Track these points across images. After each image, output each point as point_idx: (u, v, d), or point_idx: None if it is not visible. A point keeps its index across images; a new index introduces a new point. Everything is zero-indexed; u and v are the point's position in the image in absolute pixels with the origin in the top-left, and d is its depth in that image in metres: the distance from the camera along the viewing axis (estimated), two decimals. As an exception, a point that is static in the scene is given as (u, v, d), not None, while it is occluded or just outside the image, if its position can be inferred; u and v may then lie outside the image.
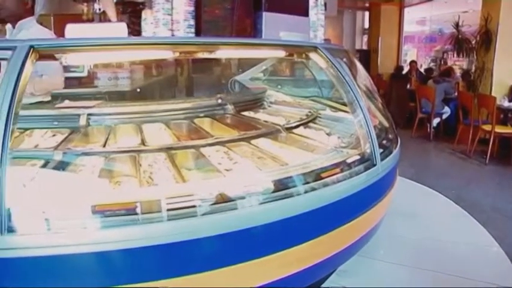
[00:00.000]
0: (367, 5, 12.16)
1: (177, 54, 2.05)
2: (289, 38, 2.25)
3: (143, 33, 2.06)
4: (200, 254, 1.64)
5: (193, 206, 1.63)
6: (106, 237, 1.52)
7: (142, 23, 2.07)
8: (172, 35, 1.97)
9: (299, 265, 1.86)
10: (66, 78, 3.61)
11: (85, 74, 3.59)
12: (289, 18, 2.37)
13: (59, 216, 1.54)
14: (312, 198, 1.84)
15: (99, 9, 6.15)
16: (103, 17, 7.44)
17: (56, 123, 2.23)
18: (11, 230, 1.47)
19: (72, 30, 1.86)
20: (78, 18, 8.18)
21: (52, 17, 9.98)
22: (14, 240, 1.47)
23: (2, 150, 1.44)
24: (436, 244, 2.86)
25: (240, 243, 1.70)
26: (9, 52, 1.66)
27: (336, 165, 2.04)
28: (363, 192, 2.05)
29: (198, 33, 2.02)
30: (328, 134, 2.47)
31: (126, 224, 1.54)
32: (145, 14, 2.05)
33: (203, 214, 1.62)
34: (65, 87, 3.49)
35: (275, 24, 2.25)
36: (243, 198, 1.69)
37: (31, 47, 1.68)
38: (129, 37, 1.93)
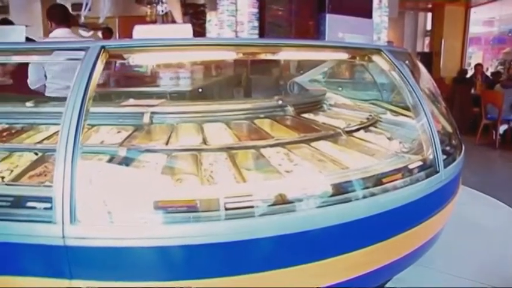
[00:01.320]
0: (430, 5, 11.77)
1: (241, 55, 2.07)
2: (352, 40, 2.22)
3: (208, 34, 2.10)
4: (256, 254, 1.65)
5: (252, 207, 1.64)
6: (167, 232, 1.56)
7: (207, 24, 2.11)
8: (237, 36, 1.99)
9: (355, 271, 1.83)
10: (130, 77, 3.77)
11: (148, 73, 3.72)
12: (353, 20, 2.34)
13: (123, 210, 1.60)
14: (372, 203, 1.80)
15: (162, 11, 6.35)
16: (165, 19, 7.68)
17: (120, 120, 2.32)
18: (79, 221, 1.54)
19: (140, 31, 1.93)
20: (141, 20, 8.47)
21: (117, 19, 10.41)
22: (81, 230, 1.54)
23: (74, 145, 1.52)
24: (502, 260, 2.72)
25: (296, 246, 1.69)
26: (83, 52, 1.74)
27: (397, 170, 1.99)
28: (424, 199, 1.99)
29: (261, 34, 2.03)
30: (389, 139, 2.42)
31: (186, 220, 1.57)
32: (210, 16, 2.09)
33: (261, 215, 1.63)
34: (128, 86, 3.64)
35: (338, 26, 2.23)
36: (301, 200, 1.68)
37: (102, 47, 1.75)
38: (194, 38, 1.98)
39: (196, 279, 1.61)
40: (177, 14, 2.73)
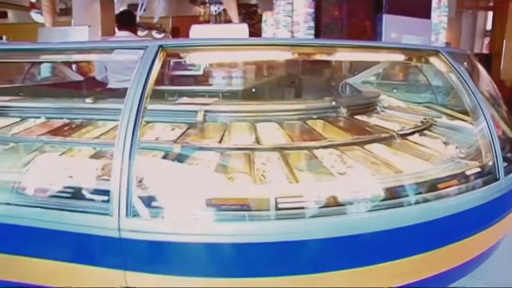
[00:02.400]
0: (491, 4, 11.27)
1: (296, 55, 2.07)
2: (409, 41, 2.17)
3: (263, 34, 2.11)
4: (305, 255, 1.65)
5: (303, 208, 1.64)
6: (218, 230, 1.59)
7: (263, 24, 2.12)
8: (292, 37, 1.99)
9: (405, 279, 1.79)
10: (184, 76, 3.86)
11: (201, 72, 3.79)
12: (410, 20, 2.28)
13: (176, 206, 1.64)
14: (425, 210, 1.76)
15: (215, 11, 6.45)
16: (219, 19, 7.79)
17: (175, 118, 2.37)
18: (135, 214, 1.59)
19: (197, 30, 1.96)
20: (195, 20, 8.63)
21: (170, 19, 10.65)
22: (136, 223, 1.59)
23: (131, 141, 1.58)
24: None
25: (345, 250, 1.67)
26: (142, 51, 1.80)
27: (453, 176, 1.93)
28: (482, 208, 1.91)
29: (317, 35, 2.02)
30: (445, 143, 2.34)
31: (237, 219, 1.59)
32: (266, 16, 2.10)
33: (312, 216, 1.62)
34: (181, 85, 3.72)
35: (395, 27, 2.18)
36: (353, 203, 1.66)
37: (160, 46, 1.80)
38: (252, 38, 1.99)
39: (245, 277, 1.63)
40: (233, 14, 2.76)
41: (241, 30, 1.90)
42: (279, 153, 1.99)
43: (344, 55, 2.42)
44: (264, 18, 2.12)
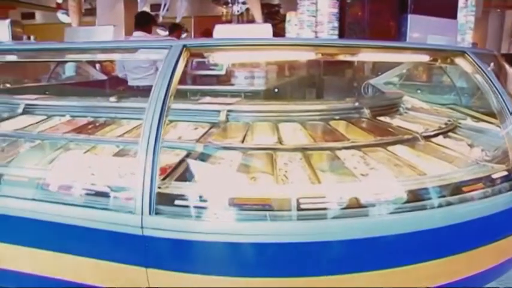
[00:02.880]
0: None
1: (319, 55, 2.07)
2: (435, 42, 2.14)
3: (287, 34, 2.11)
4: (326, 257, 1.64)
5: (325, 208, 1.63)
6: (240, 229, 1.59)
7: (286, 25, 2.12)
8: (316, 37, 1.98)
9: (428, 282, 1.76)
10: (206, 76, 3.88)
11: (223, 72, 3.80)
12: (436, 20, 2.24)
13: (199, 204, 1.65)
14: (449, 213, 1.73)
15: (238, 11, 6.47)
16: (241, 19, 7.80)
17: (197, 117, 2.38)
18: (157, 212, 1.60)
19: (220, 30, 1.97)
20: (217, 20, 8.66)
21: (192, 19, 10.71)
22: (158, 221, 1.61)
23: (155, 139, 1.59)
24: None
25: (367, 252, 1.66)
26: (166, 51, 1.81)
27: (478, 180, 1.88)
28: (508, 212, 1.87)
29: (341, 35, 2.01)
30: (469, 146, 2.30)
31: (259, 218, 1.59)
32: (290, 16, 2.10)
33: (333, 217, 1.61)
34: (203, 84, 3.75)
35: (420, 27, 2.15)
36: (375, 205, 1.65)
37: (184, 46, 1.82)
38: (276, 38, 1.99)
39: (265, 277, 1.63)
40: (257, 13, 2.76)
41: (265, 30, 1.89)
42: (301, 153, 1.98)
43: (368, 56, 2.40)
44: (287, 18, 2.12)
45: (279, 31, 2.51)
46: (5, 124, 2.62)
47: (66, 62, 4.75)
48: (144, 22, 4.21)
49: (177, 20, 8.72)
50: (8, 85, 4.08)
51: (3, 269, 1.89)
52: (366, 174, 1.85)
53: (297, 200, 1.62)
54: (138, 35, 4.09)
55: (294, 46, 1.91)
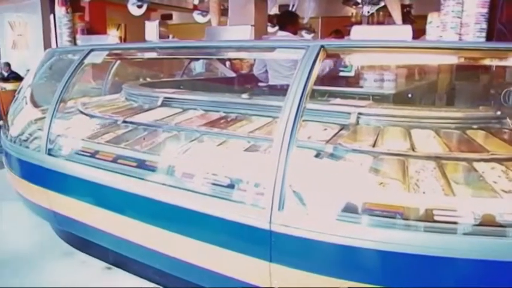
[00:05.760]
0: None
1: (462, 60, 1.94)
2: None
3: (427, 37, 2.01)
4: (452, 275, 1.53)
5: (455, 223, 1.53)
6: (367, 234, 1.56)
7: (427, 26, 2.02)
8: (460, 40, 1.86)
9: None
10: (335, 77, 3.86)
11: (352, 74, 3.75)
12: None
13: (326, 205, 1.65)
14: None
15: (368, 12, 6.33)
16: (371, 20, 7.64)
17: (327, 118, 2.38)
18: (286, 209, 1.63)
19: (358, 31, 1.95)
20: (345, 21, 8.57)
21: (320, 19, 10.72)
22: (286, 217, 1.64)
23: (290, 138, 1.62)
24: None
25: (502, 276, 1.51)
26: (303, 51, 1.84)
27: None
28: None
29: (489, 37, 1.86)
30: None
31: (387, 226, 1.55)
32: (431, 17, 1.99)
33: (465, 233, 1.50)
34: (331, 85, 3.73)
35: None
36: (514, 226, 1.50)
37: (321, 46, 1.82)
38: (419, 41, 1.92)
39: (385, 286, 1.58)
40: (396, 14, 2.67)
41: (405, 32, 1.82)
42: (434, 162, 1.88)
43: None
44: (429, 19, 2.02)
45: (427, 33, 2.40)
46: (146, 115, 2.86)
47: (208, 59, 5.14)
48: (289, 22, 4.23)
49: (305, 21, 8.80)
50: (149, 79, 4.46)
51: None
52: (508, 191, 1.70)
53: (429, 211, 1.55)
54: (282, 34, 4.13)
55: (436, 50, 1.81)
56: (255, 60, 4.48)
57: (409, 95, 3.71)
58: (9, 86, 7.34)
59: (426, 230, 1.53)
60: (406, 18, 7.01)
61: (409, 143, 2.05)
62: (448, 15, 1.89)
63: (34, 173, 2.62)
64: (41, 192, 2.58)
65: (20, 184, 2.82)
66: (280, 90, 3.59)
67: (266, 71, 4.28)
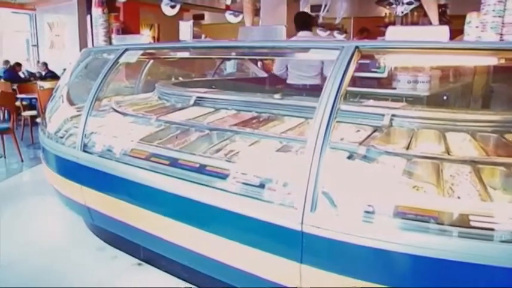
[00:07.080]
0: None
1: (503, 61, 1.88)
2: None
3: (465, 37, 1.96)
4: (487, 282, 1.49)
5: (492, 229, 1.48)
6: (401, 238, 1.53)
7: (465, 26, 1.97)
8: (501, 40, 1.81)
9: None
10: (367, 78, 3.81)
11: (385, 75, 3.70)
12: None
13: (358, 207, 1.63)
14: None
15: (402, 12, 6.24)
16: (405, 20, 7.53)
17: (360, 119, 2.36)
18: (318, 210, 1.63)
19: (393, 32, 1.92)
20: (378, 21, 8.49)
21: (352, 19, 10.64)
22: (318, 219, 1.64)
23: (323, 139, 1.62)
24: None
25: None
26: (337, 52, 1.82)
27: None
28: None
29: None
30: None
31: (421, 230, 1.52)
32: (470, 17, 1.95)
33: (502, 241, 1.46)
34: (364, 86, 3.68)
35: None
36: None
37: (356, 47, 1.81)
38: (455, 42, 1.87)
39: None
40: (433, 15, 2.62)
41: (442, 32, 1.78)
42: (470, 166, 1.84)
43: None
44: (467, 19, 1.97)
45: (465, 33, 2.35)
46: (178, 114, 2.89)
47: (241, 59, 5.30)
48: (307, 22, 4.33)
49: (337, 21, 8.75)
50: (181, 79, 4.52)
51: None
52: (549, 198, 1.65)
53: (464, 217, 1.52)
54: (303, 34, 4.17)
55: (476, 51, 1.76)
56: (274, 59, 4.59)
57: (444, 97, 3.63)
58: (46, 85, 7.58)
59: (461, 236, 1.49)
60: (441, 18, 6.88)
61: (444, 146, 2.01)
62: (489, 15, 1.84)
63: (69, 169, 2.69)
64: (76, 188, 2.65)
65: (56, 179, 2.90)
66: (312, 91, 3.58)
67: (286, 70, 4.37)
